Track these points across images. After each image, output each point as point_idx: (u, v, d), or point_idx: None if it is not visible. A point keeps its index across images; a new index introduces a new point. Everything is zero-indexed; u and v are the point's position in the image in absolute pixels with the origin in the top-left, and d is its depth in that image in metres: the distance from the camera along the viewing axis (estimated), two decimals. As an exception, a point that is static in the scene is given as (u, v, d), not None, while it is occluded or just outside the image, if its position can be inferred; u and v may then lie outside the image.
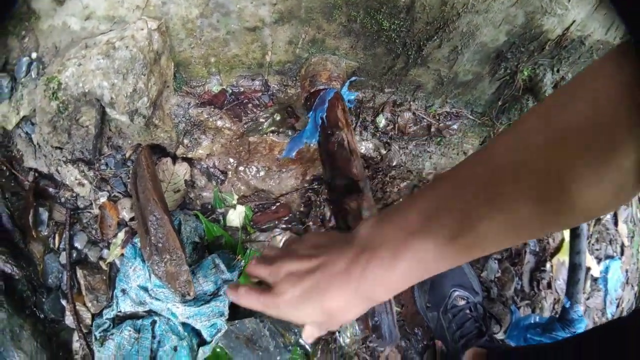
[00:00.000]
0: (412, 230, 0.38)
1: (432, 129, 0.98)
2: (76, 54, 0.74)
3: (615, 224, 1.22)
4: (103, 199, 0.89)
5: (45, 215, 0.87)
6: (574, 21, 0.86)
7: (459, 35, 0.88)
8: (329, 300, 0.41)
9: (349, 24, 0.82)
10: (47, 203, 0.88)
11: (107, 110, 0.77)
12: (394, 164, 0.97)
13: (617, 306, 1.16)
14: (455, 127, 1.00)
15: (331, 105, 0.80)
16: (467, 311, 0.91)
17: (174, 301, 0.76)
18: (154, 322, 0.84)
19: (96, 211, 0.89)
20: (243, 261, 0.84)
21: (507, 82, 1.00)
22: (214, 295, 0.80)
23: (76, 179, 0.86)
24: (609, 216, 1.22)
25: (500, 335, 0.97)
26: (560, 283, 1.10)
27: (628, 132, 0.28)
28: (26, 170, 0.86)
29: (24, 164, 0.85)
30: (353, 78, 0.87)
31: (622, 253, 1.19)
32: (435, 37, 0.87)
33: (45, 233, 0.88)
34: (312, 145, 0.86)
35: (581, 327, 0.90)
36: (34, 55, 0.79)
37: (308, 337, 0.49)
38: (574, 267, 0.91)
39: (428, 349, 0.97)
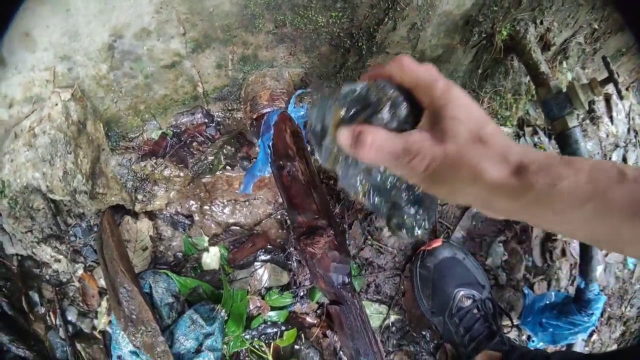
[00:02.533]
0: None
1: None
2: (8, 148, 0.71)
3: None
4: (80, 271, 0.88)
5: (36, 296, 0.88)
6: (549, -36, 0.71)
7: (415, 10, 0.74)
8: None
9: (279, 30, 0.70)
10: (34, 284, 0.88)
11: (50, 196, 0.74)
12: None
13: None
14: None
15: (278, 130, 0.70)
16: (475, 311, 0.85)
17: (160, 368, 0.74)
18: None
19: (77, 284, 0.87)
20: (223, 310, 0.80)
21: (484, 47, 0.86)
22: (197, 352, 0.77)
23: (52, 256, 0.85)
24: (619, 161, 1.10)
25: (515, 322, 0.92)
26: (575, 245, 1.02)
27: None
28: (10, 257, 0.87)
29: (5, 251, 0.85)
30: (299, 91, 0.76)
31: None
32: (386, 19, 0.74)
33: (42, 311, 0.88)
34: (267, 176, 0.77)
35: (599, 307, 0.83)
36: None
37: None
38: (587, 244, 0.82)
39: (439, 349, 0.93)
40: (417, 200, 0.40)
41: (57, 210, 0.81)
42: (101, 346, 0.88)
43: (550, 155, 0.33)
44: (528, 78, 0.94)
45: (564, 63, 0.97)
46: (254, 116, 0.72)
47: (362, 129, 0.36)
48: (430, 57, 0.85)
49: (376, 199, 0.40)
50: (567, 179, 0.30)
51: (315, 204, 0.68)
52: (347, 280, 0.67)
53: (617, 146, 1.08)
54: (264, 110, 0.72)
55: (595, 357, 0.79)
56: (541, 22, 0.85)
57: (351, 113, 0.37)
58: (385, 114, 0.36)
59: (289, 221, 0.84)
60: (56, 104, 0.68)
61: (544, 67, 0.82)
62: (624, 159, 1.09)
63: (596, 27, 0.91)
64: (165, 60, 0.68)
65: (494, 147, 0.33)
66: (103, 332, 0.88)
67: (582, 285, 0.83)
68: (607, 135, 1.07)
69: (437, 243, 0.88)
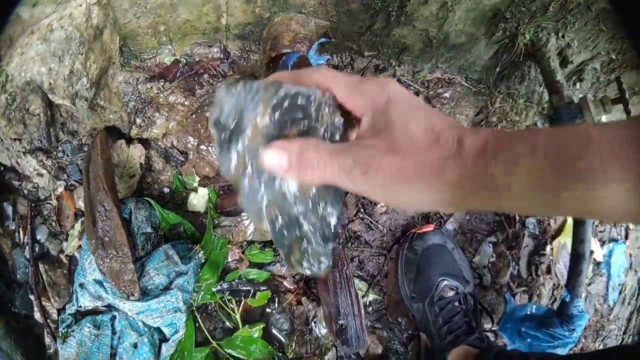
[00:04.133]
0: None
1: (420, 98, 0.86)
2: (21, 42, 0.69)
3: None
4: (60, 189, 0.84)
5: (10, 209, 0.83)
6: (579, -17, 0.74)
7: (449, -13, 0.75)
8: None
9: (316, -25, 0.70)
10: (11, 197, 0.83)
11: (50, 96, 0.72)
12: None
13: (620, 293, 1.07)
14: (447, 95, 0.89)
15: (295, 73, 0.69)
16: (456, 303, 0.82)
17: (120, 297, 0.69)
18: (113, 318, 0.78)
19: (55, 202, 0.83)
20: (201, 251, 0.76)
21: (506, 45, 0.88)
22: (166, 289, 0.72)
23: (35, 169, 0.82)
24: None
25: (492, 327, 0.90)
26: (561, 267, 1.01)
27: None
28: None
29: None
30: (322, 40, 0.75)
31: (626, 236, 1.08)
32: (421, -9, 0.74)
33: (12, 227, 0.84)
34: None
35: (581, 324, 0.81)
36: (-7, 50, 0.75)
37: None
38: (577, 258, 0.81)
39: (413, 340, 0.90)
40: (326, 237, 0.35)
41: (51, 120, 0.78)
42: (65, 271, 0.83)
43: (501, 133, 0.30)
44: (542, 88, 0.95)
45: (578, 85, 0.99)
46: (273, 54, 0.71)
47: (302, 146, 0.31)
48: (453, 43, 0.86)
49: (283, 229, 0.34)
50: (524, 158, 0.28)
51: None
52: (339, 230, 0.65)
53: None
54: (285, 51, 0.71)
55: (573, 357, 0.77)
56: (563, 36, 0.87)
57: (281, 120, 0.31)
58: (323, 124, 0.32)
59: None
60: (80, 5, 0.67)
61: (560, 76, 0.84)
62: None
63: (613, 57, 0.93)
64: (197, -20, 0.67)
65: (447, 143, 0.30)
66: (70, 257, 0.83)
67: (567, 299, 0.82)
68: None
69: (429, 228, 0.86)
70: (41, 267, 0.82)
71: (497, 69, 0.90)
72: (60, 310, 0.83)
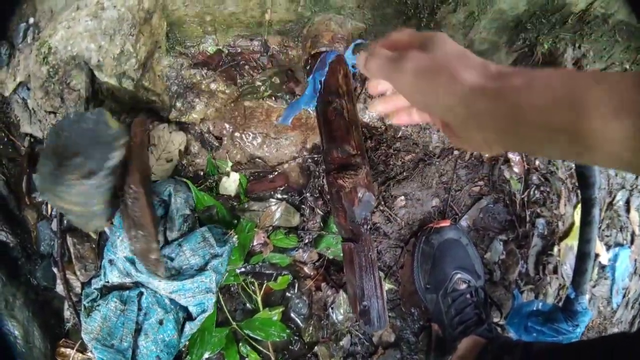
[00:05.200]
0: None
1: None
2: (67, 16, 0.72)
3: (627, 211, 1.16)
4: None
5: (38, 179, 0.85)
6: (598, -4, 0.80)
7: (476, 0, 0.80)
8: None
9: (357, -21, 0.75)
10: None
11: (95, 73, 0.75)
12: (399, 135, 0.92)
13: (624, 296, 1.12)
14: (466, 100, 0.94)
15: (332, 69, 0.74)
16: (468, 296, 0.87)
17: (155, 275, 0.73)
18: (140, 294, 0.81)
19: None
20: (235, 236, 0.80)
21: (525, 54, 0.93)
22: (201, 270, 0.76)
23: None
24: (621, 202, 1.16)
25: (499, 321, 0.94)
26: (567, 268, 1.06)
27: None
28: (22, 136, 0.85)
29: (20, 129, 0.84)
30: (358, 41, 0.80)
31: (632, 242, 1.13)
32: (450, 0, 0.80)
33: (39, 199, 0.86)
34: (310, 111, 0.80)
35: (585, 321, 0.85)
36: (31, 20, 0.78)
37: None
38: (583, 256, 0.86)
39: (424, 330, 0.94)
40: None
41: (92, 96, 0.81)
42: (93, 245, 0.86)
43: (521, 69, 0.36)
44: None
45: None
46: (313, 52, 0.76)
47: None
48: (477, 50, 0.91)
49: None
50: (540, 79, 0.32)
51: (354, 141, 0.71)
52: (369, 216, 0.69)
53: (623, 187, 1.14)
54: (323, 49, 0.76)
55: (574, 346, 0.81)
56: (579, 47, 0.92)
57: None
58: None
59: (317, 162, 0.86)
60: (133, -13, 0.71)
61: (575, 86, 0.89)
62: (627, 202, 1.15)
63: (627, 67, 0.99)
64: (249, -24, 0.72)
65: (474, 61, 0.37)
66: (100, 233, 0.86)
67: (572, 296, 0.86)
68: (616, 175, 1.13)
69: (445, 223, 0.91)
70: (69, 240, 0.84)
71: (515, 77, 0.96)
72: (84, 284, 0.85)
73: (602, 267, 1.09)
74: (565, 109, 0.30)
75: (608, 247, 1.10)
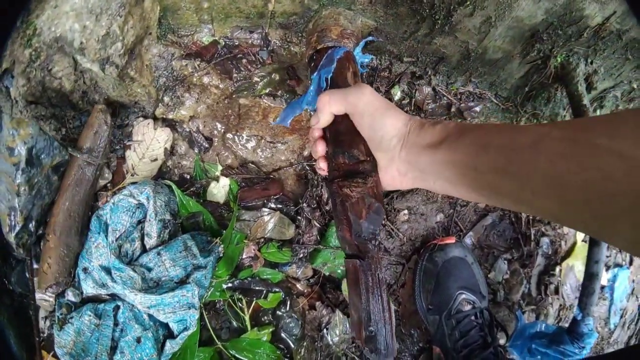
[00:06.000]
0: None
1: (452, 109, 0.86)
2: None
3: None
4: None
5: None
6: (614, 12, 0.77)
7: (495, 5, 0.75)
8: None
9: (372, -28, 0.68)
10: None
11: (78, 58, 0.66)
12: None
13: (621, 317, 1.09)
14: (477, 109, 0.89)
15: (340, 66, 0.67)
16: (473, 318, 0.81)
17: (132, 287, 0.64)
18: (117, 308, 0.72)
19: None
20: (221, 245, 0.72)
21: (537, 66, 0.89)
22: (182, 282, 0.67)
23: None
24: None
25: (505, 344, 0.89)
26: (567, 289, 1.03)
27: None
28: None
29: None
30: (369, 38, 0.74)
31: (630, 263, 1.11)
32: (468, 3, 0.74)
33: None
34: (312, 113, 0.73)
35: (591, 342, 0.82)
36: (21, 1, 0.68)
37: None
38: (591, 277, 0.82)
39: (424, 352, 0.88)
40: None
41: (73, 88, 0.72)
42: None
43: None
44: (565, 112, 0.97)
45: (598, 111, 1.02)
46: (319, 47, 0.69)
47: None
48: (489, 58, 0.86)
49: None
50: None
51: (363, 145, 0.63)
52: (377, 231, 0.62)
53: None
54: (331, 44, 0.69)
55: None
56: (591, 62, 0.89)
57: None
58: None
59: (315, 170, 0.79)
60: (123, -36, 0.63)
61: (586, 100, 0.86)
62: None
63: (635, 86, 0.97)
64: (253, -42, 0.64)
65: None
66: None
67: (579, 317, 0.83)
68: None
69: (450, 240, 0.85)
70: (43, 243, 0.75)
71: (526, 89, 0.92)
72: (58, 295, 0.76)
73: (601, 288, 1.06)
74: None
75: (607, 268, 1.07)
